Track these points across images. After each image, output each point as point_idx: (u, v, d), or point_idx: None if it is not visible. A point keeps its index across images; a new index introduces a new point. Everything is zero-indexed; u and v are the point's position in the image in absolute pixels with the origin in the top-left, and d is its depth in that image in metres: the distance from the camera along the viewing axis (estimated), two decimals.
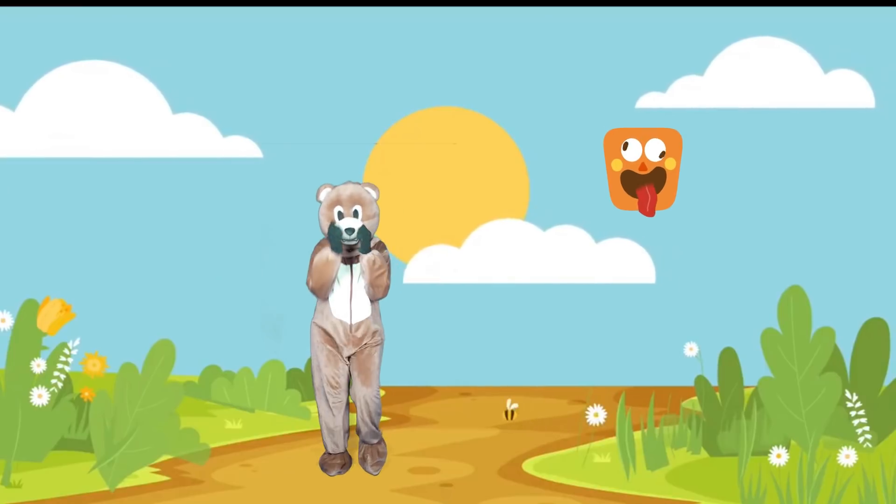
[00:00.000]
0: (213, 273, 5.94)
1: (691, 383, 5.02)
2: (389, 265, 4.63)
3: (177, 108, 5.91)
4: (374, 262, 4.55)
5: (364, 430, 4.80)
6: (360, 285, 4.60)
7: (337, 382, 4.66)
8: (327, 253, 4.53)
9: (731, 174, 5.96)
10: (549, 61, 5.95)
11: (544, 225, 6.02)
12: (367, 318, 4.64)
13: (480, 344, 6.03)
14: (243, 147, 5.90)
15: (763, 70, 5.93)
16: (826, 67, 5.92)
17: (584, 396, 5.73)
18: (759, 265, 5.96)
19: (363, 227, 4.51)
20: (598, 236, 6.00)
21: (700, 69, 5.95)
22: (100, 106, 5.88)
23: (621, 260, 6.01)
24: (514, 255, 6.03)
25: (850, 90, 5.90)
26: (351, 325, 4.61)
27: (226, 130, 5.92)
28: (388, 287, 4.65)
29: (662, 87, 5.95)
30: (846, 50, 5.90)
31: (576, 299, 6.02)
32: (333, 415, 4.70)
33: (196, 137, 5.91)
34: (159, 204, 5.93)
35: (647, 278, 6.00)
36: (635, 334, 5.99)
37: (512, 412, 5.47)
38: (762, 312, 4.93)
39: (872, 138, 5.92)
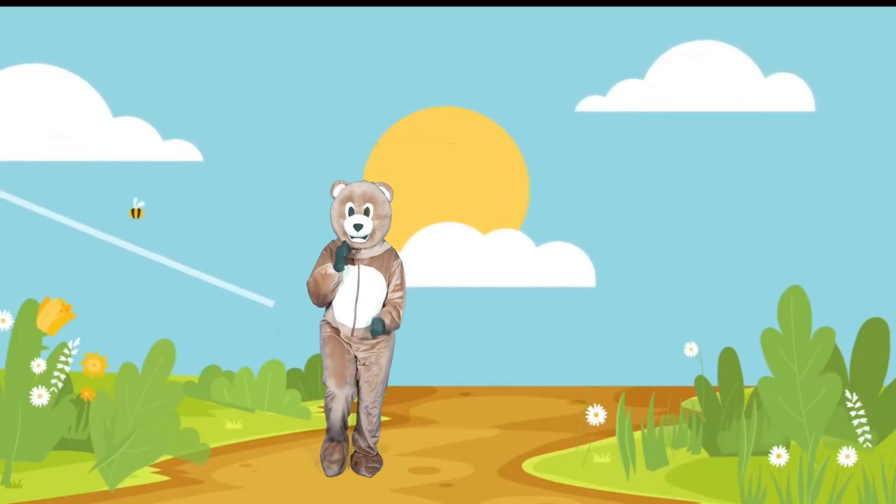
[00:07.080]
0: (214, 273, 5.94)
1: (691, 383, 5.02)
2: (403, 281, 4.65)
3: (118, 111, 5.91)
4: (393, 320, 4.58)
5: (361, 442, 4.77)
6: (367, 290, 4.57)
7: (341, 375, 4.62)
8: (327, 267, 4.52)
9: (673, 177, 5.96)
10: (512, 58, 5.96)
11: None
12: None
13: (480, 344, 6.03)
14: (185, 151, 5.91)
15: (704, 73, 5.92)
16: (766, 71, 5.91)
17: (584, 396, 5.73)
18: (755, 266, 5.98)
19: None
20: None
21: (640, 73, 5.94)
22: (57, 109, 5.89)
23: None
24: (514, 257, 6.04)
25: (790, 93, 5.89)
26: (353, 330, 4.59)
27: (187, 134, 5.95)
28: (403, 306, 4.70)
29: (602, 91, 5.94)
30: (786, 53, 5.89)
31: (575, 299, 6.02)
32: (333, 407, 4.65)
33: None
34: (160, 205, 5.93)
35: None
36: (635, 334, 5.99)
37: (138, 210, 5.26)
38: (762, 312, 4.93)
39: (812, 141, 5.92)
